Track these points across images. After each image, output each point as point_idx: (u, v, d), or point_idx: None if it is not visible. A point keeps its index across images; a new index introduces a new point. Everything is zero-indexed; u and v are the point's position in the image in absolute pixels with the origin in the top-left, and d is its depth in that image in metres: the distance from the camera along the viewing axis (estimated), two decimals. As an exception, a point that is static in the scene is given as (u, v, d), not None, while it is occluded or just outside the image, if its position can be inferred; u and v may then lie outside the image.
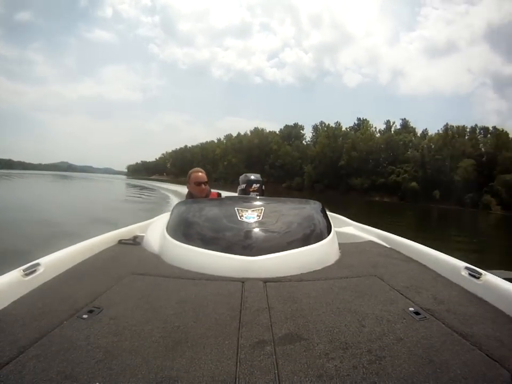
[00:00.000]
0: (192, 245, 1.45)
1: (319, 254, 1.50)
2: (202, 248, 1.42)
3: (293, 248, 1.43)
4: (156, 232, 1.79)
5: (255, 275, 1.28)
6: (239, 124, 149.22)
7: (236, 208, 1.64)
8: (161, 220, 1.95)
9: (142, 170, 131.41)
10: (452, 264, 1.35)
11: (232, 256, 1.35)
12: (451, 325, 0.92)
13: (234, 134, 76.17)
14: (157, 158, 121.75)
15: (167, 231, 1.64)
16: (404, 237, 1.91)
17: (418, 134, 55.22)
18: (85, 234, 1.83)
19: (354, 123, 59.33)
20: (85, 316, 0.94)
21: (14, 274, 1.09)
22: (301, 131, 66.58)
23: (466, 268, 1.25)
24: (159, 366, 0.72)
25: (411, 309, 1.01)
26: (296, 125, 67.40)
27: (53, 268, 1.26)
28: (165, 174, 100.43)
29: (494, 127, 49.09)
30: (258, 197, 2.07)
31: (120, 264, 1.44)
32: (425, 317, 0.97)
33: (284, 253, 1.39)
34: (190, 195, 2.55)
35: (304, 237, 1.59)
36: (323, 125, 61.50)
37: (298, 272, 1.35)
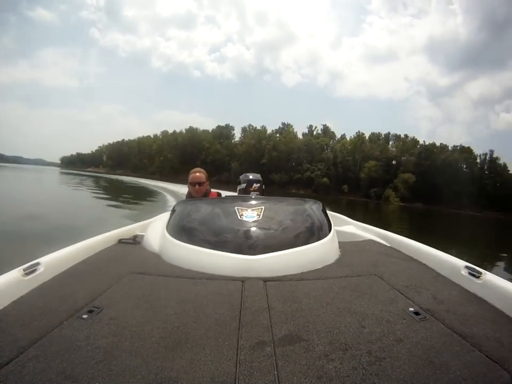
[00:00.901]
0: (192, 244, 1.45)
1: (319, 253, 1.49)
2: (202, 247, 1.41)
3: (293, 247, 1.42)
4: (155, 231, 1.78)
5: (255, 274, 1.27)
6: (175, 117, 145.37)
7: (235, 208, 1.63)
8: (161, 219, 1.95)
9: (77, 162, 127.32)
10: (452, 264, 1.34)
11: (232, 255, 1.34)
12: (451, 325, 0.91)
13: (170, 128, 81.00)
14: (93, 151, 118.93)
15: (167, 230, 1.63)
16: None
17: (336, 139, 67.48)
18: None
19: (279, 126, 70.59)
20: (84, 316, 0.93)
21: (14, 274, 1.09)
22: (232, 131, 74.80)
23: (466, 267, 1.25)
24: (159, 367, 0.72)
25: (411, 309, 1.01)
26: (227, 125, 75.77)
27: (53, 268, 1.25)
28: (101, 166, 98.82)
29: (406, 135, 62.66)
30: (258, 196, 2.08)
31: (120, 263, 1.44)
32: (425, 317, 0.96)
33: (284, 252, 1.38)
34: (189, 195, 2.55)
35: (304, 236, 1.59)
36: (251, 127, 71.28)
37: (299, 271, 1.34)
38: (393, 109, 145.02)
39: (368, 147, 60.40)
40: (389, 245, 1.86)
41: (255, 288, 1.15)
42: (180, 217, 1.74)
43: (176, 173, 63.89)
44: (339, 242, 1.70)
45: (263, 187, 2.29)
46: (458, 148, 61.94)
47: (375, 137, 64.39)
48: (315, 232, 1.63)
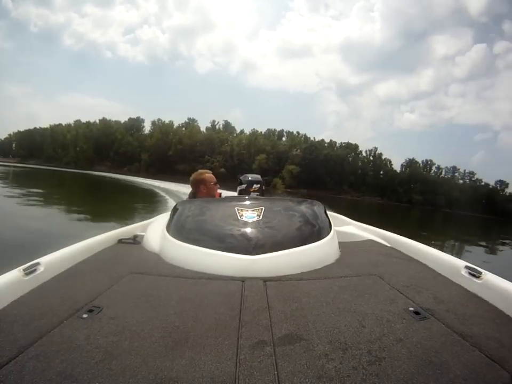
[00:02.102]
0: (192, 244, 1.45)
1: (319, 253, 1.49)
2: (203, 247, 1.41)
3: (293, 247, 1.42)
4: (155, 231, 1.78)
5: (255, 274, 1.27)
6: (84, 102, 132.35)
7: (236, 208, 1.64)
8: (161, 219, 1.94)
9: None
10: (452, 263, 1.34)
11: (232, 255, 1.34)
12: (451, 325, 0.91)
13: (77, 114, 78.43)
14: (2, 138, 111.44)
15: (167, 230, 1.63)
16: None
17: (235, 134, 76.46)
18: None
19: (185, 121, 77.54)
20: (84, 316, 0.93)
21: (14, 274, 1.08)
22: (142, 123, 79.96)
23: (466, 267, 1.25)
24: (159, 366, 0.72)
25: (411, 308, 1.01)
26: (138, 118, 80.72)
27: (53, 268, 1.25)
28: (10, 156, 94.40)
29: (298, 132, 75.77)
30: (258, 197, 2.08)
31: (120, 263, 1.44)
32: (425, 317, 0.96)
33: (284, 252, 1.38)
34: (193, 195, 2.52)
35: (304, 236, 1.59)
36: (160, 121, 77.08)
37: (299, 271, 1.34)
38: (303, 102, 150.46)
39: (261, 142, 69.96)
40: (389, 245, 1.86)
41: (255, 288, 1.15)
42: (180, 217, 1.75)
43: (91, 164, 66.83)
44: (339, 242, 1.70)
45: (263, 188, 2.29)
46: (344, 144, 74.08)
47: (270, 133, 75.42)
48: (315, 232, 1.63)
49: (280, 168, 65.29)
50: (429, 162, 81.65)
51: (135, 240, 1.80)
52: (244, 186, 2.27)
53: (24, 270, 1.12)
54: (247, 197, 2.01)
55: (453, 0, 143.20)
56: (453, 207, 69.82)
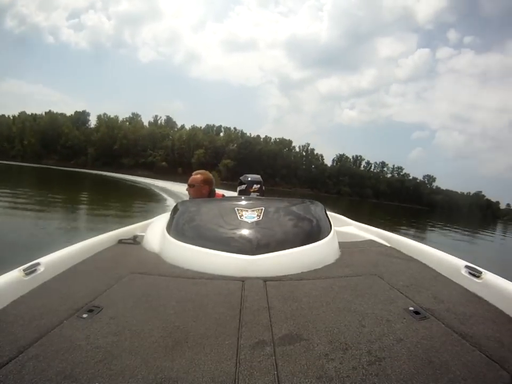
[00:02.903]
0: (192, 244, 1.45)
1: (319, 253, 1.50)
2: (203, 247, 1.41)
3: (293, 247, 1.42)
4: (156, 231, 1.78)
5: (255, 274, 1.28)
6: (21, 88, 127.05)
7: (236, 208, 1.64)
8: (161, 220, 1.93)
9: None
10: (452, 263, 1.35)
11: (232, 255, 1.34)
12: (451, 325, 0.91)
13: (15, 103, 78.12)
14: None
15: (167, 230, 1.63)
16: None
17: (177, 128, 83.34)
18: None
19: (130, 116, 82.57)
20: (84, 316, 0.93)
21: (14, 274, 1.08)
22: (88, 117, 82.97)
23: (467, 267, 1.25)
24: (159, 366, 0.72)
25: (411, 308, 1.01)
26: (84, 111, 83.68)
27: (53, 268, 1.25)
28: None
29: (235, 128, 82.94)
30: (258, 197, 2.09)
31: (120, 263, 1.44)
32: (425, 317, 0.96)
33: (284, 252, 1.38)
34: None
35: (304, 236, 1.59)
36: (105, 115, 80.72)
37: (299, 271, 1.35)
38: (245, 95, 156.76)
39: (200, 137, 76.61)
40: (389, 245, 1.87)
41: (255, 288, 1.15)
42: (180, 218, 1.75)
43: (38, 157, 69.01)
44: (339, 242, 1.71)
45: (263, 188, 2.28)
46: (279, 140, 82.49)
47: (209, 128, 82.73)
48: (315, 232, 1.64)
49: (217, 162, 71.62)
50: (359, 157, 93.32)
51: (135, 240, 1.80)
52: (243, 186, 2.24)
53: (24, 270, 1.12)
54: (247, 197, 2.01)
55: (402, 7, 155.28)
56: (380, 198, 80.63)
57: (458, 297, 1.12)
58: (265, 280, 1.23)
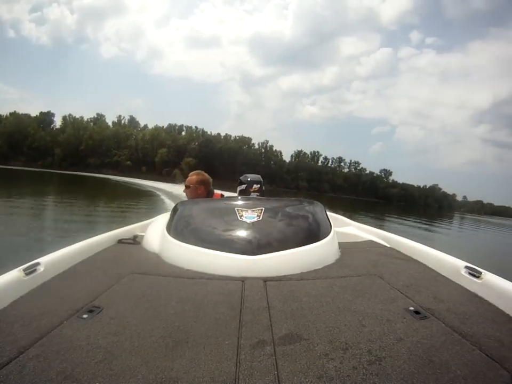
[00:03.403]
0: (192, 245, 1.45)
1: (319, 253, 1.50)
2: (203, 247, 1.41)
3: (293, 248, 1.42)
4: (155, 231, 1.78)
5: (255, 274, 1.28)
6: None
7: (236, 208, 1.64)
8: (161, 220, 1.93)
9: None
10: (452, 264, 1.35)
11: (232, 256, 1.35)
12: (451, 324, 0.92)
13: None
14: None
15: (167, 230, 1.63)
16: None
17: (140, 128, 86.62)
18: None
19: (94, 116, 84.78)
20: (85, 316, 0.93)
21: (14, 274, 1.08)
22: (53, 118, 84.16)
23: (467, 267, 1.25)
24: (159, 366, 0.72)
25: (411, 308, 1.01)
26: (49, 112, 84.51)
27: (53, 268, 1.26)
28: None
29: (196, 127, 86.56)
30: (258, 197, 2.08)
31: (120, 263, 1.44)
32: (425, 317, 0.96)
33: (284, 252, 1.39)
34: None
35: (304, 237, 1.59)
36: (70, 116, 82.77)
37: (299, 271, 1.35)
38: (207, 91, 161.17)
39: (163, 137, 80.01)
40: (389, 246, 1.87)
41: (255, 288, 1.15)
42: (180, 218, 1.75)
43: (5, 159, 69.96)
44: (339, 243, 1.71)
45: (263, 188, 2.27)
46: (239, 138, 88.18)
47: (171, 128, 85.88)
48: (315, 232, 1.64)
49: (179, 161, 74.65)
50: (317, 153, 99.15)
51: (135, 240, 1.81)
52: (243, 186, 2.23)
53: (24, 270, 1.12)
54: (247, 197, 2.01)
55: (367, 8, 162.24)
56: (337, 192, 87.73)
57: (458, 297, 1.13)
58: (265, 280, 1.24)
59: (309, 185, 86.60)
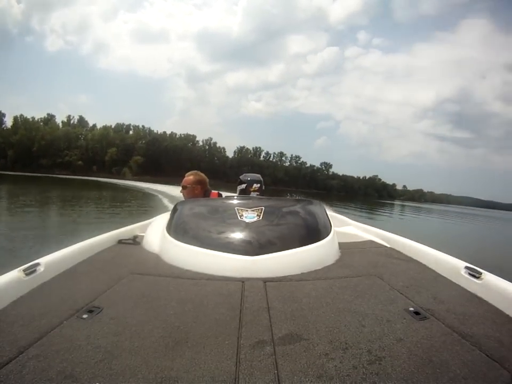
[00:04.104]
0: (192, 245, 1.45)
1: (319, 254, 1.50)
2: (202, 248, 1.41)
3: (293, 248, 1.42)
4: (155, 232, 1.78)
5: (255, 275, 1.28)
6: None
7: (236, 208, 1.64)
8: (161, 220, 1.94)
9: None
10: (451, 264, 1.35)
11: (232, 256, 1.34)
12: (451, 325, 0.92)
13: None
14: None
15: (167, 230, 1.63)
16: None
17: (89, 127, 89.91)
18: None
19: (45, 117, 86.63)
20: (85, 316, 0.93)
21: (14, 274, 1.09)
22: (3, 118, 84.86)
23: (466, 268, 1.25)
24: (159, 366, 0.72)
25: (411, 308, 1.01)
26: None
27: (53, 268, 1.26)
28: None
29: (143, 126, 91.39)
30: (258, 197, 2.07)
31: (120, 264, 1.44)
32: (425, 317, 0.96)
33: (284, 253, 1.39)
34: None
35: (304, 237, 1.59)
36: (22, 117, 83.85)
37: (299, 271, 1.35)
38: (152, 86, 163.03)
39: (112, 136, 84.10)
40: (388, 246, 1.87)
41: (255, 289, 1.16)
42: (180, 218, 1.75)
43: None
44: (339, 243, 1.71)
45: (263, 187, 2.26)
46: (184, 136, 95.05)
47: (119, 127, 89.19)
48: (315, 232, 1.63)
49: (128, 159, 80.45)
50: (258, 148, 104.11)
51: (135, 241, 1.81)
52: (243, 186, 2.21)
53: (24, 270, 1.12)
54: (247, 197, 2.01)
55: (316, 7, 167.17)
56: (278, 184, 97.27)
57: (458, 298, 1.13)
58: (265, 281, 1.24)
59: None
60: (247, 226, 1.53)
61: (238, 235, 1.51)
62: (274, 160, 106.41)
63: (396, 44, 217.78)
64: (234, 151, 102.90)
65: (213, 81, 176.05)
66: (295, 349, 0.79)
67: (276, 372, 0.70)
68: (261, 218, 1.58)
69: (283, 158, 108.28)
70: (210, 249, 1.40)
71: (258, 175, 2.33)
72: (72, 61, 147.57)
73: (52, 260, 1.28)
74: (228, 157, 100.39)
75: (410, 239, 1.82)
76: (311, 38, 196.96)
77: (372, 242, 2.00)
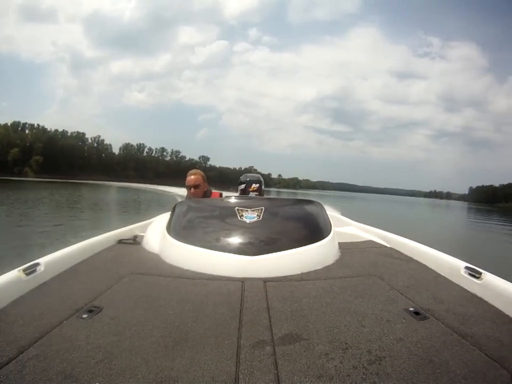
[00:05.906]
0: (192, 245, 1.44)
1: (319, 254, 1.49)
2: (202, 248, 1.41)
3: (293, 248, 1.42)
4: (155, 231, 1.78)
5: (255, 275, 1.27)
6: None
7: (236, 208, 1.63)
8: (161, 220, 1.93)
9: None
10: (451, 264, 1.34)
11: (232, 256, 1.34)
12: (451, 325, 0.92)
13: None
14: None
15: (167, 230, 1.63)
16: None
17: None
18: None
19: None
20: (84, 316, 0.93)
21: (14, 274, 1.08)
22: None
23: (466, 268, 1.25)
24: (159, 366, 0.72)
25: (411, 309, 1.01)
26: None
27: (53, 268, 1.25)
28: None
29: (38, 124, 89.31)
30: (258, 197, 2.07)
31: (120, 263, 1.44)
32: (425, 317, 0.96)
33: (284, 253, 1.38)
34: (188, 196, 2.53)
35: (304, 237, 1.58)
36: None
37: (299, 271, 1.34)
38: (32, 71, 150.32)
39: (12, 136, 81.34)
40: (388, 246, 1.86)
41: (255, 288, 1.15)
42: (180, 218, 1.75)
43: None
44: (339, 243, 1.70)
45: (263, 187, 2.26)
46: (75, 134, 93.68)
47: (15, 125, 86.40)
48: (315, 233, 1.62)
49: (29, 159, 79.43)
50: (142, 145, 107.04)
51: (135, 241, 1.80)
52: (243, 186, 2.22)
53: (24, 270, 1.12)
54: (247, 197, 2.00)
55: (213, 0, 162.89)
56: (160, 177, 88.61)
57: (458, 298, 1.12)
58: (265, 280, 1.23)
59: (137, 174, 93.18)
60: (247, 226, 1.54)
61: (238, 235, 1.51)
62: (156, 155, 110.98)
63: (285, 43, 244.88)
64: (120, 148, 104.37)
65: (97, 69, 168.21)
66: (295, 349, 0.79)
67: (275, 372, 0.70)
68: (261, 218, 1.58)
69: (164, 153, 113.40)
70: (210, 249, 1.41)
71: (258, 175, 2.35)
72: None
73: (51, 260, 1.28)
74: (114, 153, 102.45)
75: (408, 238, 1.83)
76: (202, 30, 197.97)
77: (371, 242, 1.99)
